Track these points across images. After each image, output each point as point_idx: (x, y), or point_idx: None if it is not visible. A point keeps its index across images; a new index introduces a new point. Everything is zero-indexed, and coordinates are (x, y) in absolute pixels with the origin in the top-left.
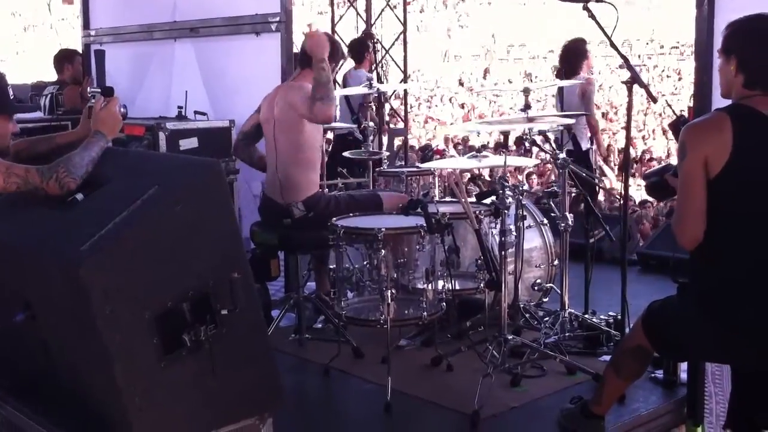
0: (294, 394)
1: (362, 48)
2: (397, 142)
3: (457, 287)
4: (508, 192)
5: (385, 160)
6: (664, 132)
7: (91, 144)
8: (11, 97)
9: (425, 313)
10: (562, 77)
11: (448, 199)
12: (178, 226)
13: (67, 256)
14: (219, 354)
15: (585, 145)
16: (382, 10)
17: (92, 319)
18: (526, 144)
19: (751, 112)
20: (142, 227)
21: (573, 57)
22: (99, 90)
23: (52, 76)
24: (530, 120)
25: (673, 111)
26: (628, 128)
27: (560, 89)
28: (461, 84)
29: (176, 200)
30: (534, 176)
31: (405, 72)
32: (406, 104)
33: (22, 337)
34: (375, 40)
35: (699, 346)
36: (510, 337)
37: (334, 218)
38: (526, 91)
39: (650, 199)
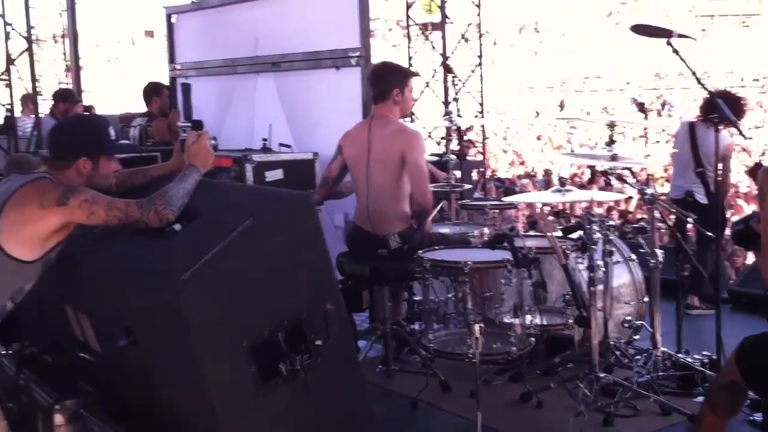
0: (383, 426)
1: None
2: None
3: (544, 322)
4: (595, 227)
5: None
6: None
7: (186, 177)
8: (113, 137)
9: (514, 348)
10: (701, 120)
11: (532, 233)
12: (273, 258)
13: (166, 285)
14: (313, 384)
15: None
16: (458, 42)
17: (191, 347)
18: (610, 178)
19: None
20: (239, 258)
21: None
22: (189, 124)
23: (135, 107)
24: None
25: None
26: (716, 164)
27: (693, 132)
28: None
29: (271, 232)
30: (615, 211)
31: (482, 105)
32: (483, 137)
33: (123, 362)
34: (453, 74)
35: None
36: (602, 375)
37: (420, 251)
38: (611, 125)
39: None
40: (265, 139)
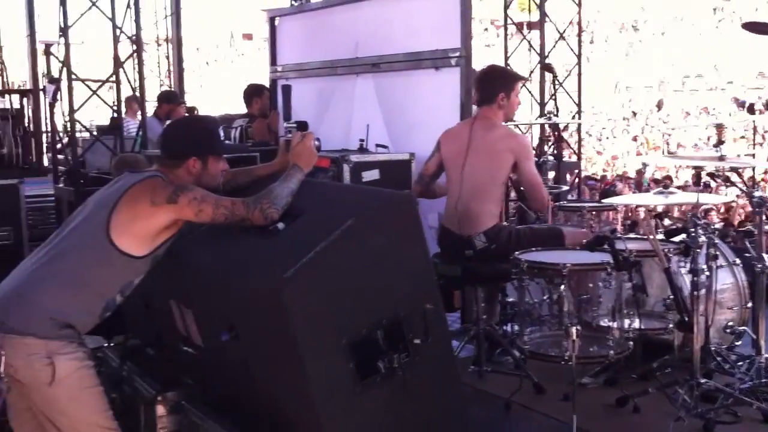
0: (477, 426)
1: None
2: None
3: (642, 326)
4: (700, 230)
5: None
6: None
7: (290, 176)
8: (222, 138)
9: (612, 352)
10: None
11: (632, 235)
12: (374, 256)
13: (270, 282)
14: (411, 382)
15: None
16: (556, 42)
17: (293, 343)
18: (715, 181)
19: None
20: (341, 257)
21: None
22: (295, 125)
23: (233, 108)
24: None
25: None
26: None
27: None
28: (634, 115)
29: (373, 231)
30: (713, 212)
31: (579, 105)
32: (579, 137)
33: (225, 356)
34: (555, 74)
35: None
36: (703, 380)
37: (517, 252)
38: (719, 127)
39: None
40: (362, 140)
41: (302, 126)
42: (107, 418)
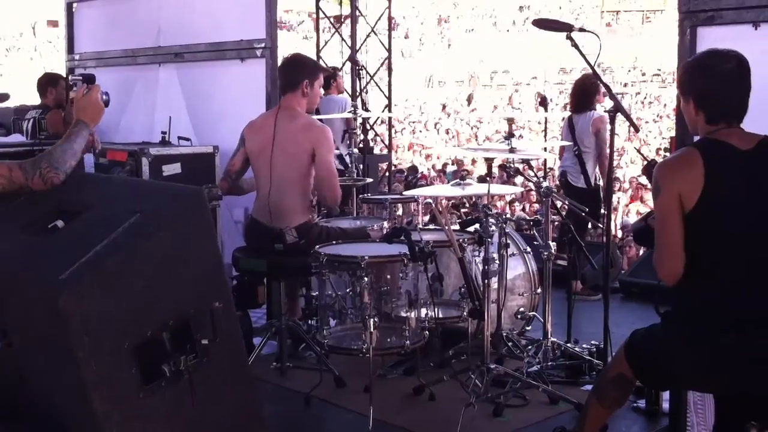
0: (275, 424)
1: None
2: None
3: (441, 315)
4: (491, 220)
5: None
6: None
7: (74, 135)
8: None
9: (408, 342)
10: (573, 111)
11: (431, 226)
12: (159, 255)
13: (46, 284)
14: (199, 384)
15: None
16: (367, 36)
17: (71, 348)
18: (510, 172)
19: (719, 144)
20: (122, 255)
21: (585, 92)
22: (80, 78)
23: (35, 99)
24: (512, 150)
25: (644, 156)
26: (611, 156)
27: (570, 122)
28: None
29: (158, 228)
30: (516, 203)
31: (389, 98)
32: (390, 130)
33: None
34: (360, 67)
35: (681, 374)
36: (493, 366)
37: (318, 246)
38: (510, 120)
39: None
40: (164, 132)
41: (89, 79)
42: None
